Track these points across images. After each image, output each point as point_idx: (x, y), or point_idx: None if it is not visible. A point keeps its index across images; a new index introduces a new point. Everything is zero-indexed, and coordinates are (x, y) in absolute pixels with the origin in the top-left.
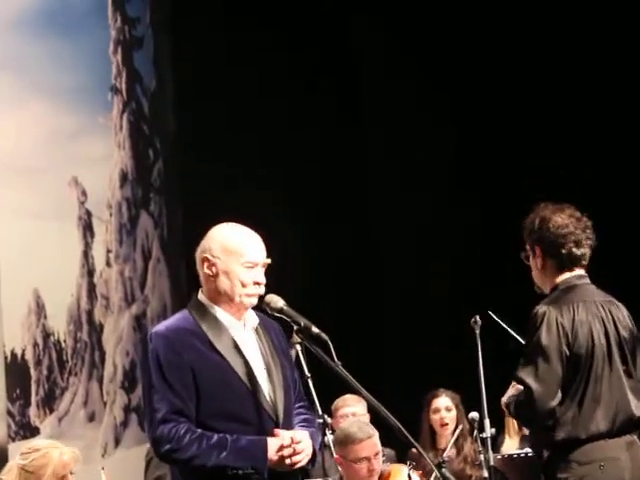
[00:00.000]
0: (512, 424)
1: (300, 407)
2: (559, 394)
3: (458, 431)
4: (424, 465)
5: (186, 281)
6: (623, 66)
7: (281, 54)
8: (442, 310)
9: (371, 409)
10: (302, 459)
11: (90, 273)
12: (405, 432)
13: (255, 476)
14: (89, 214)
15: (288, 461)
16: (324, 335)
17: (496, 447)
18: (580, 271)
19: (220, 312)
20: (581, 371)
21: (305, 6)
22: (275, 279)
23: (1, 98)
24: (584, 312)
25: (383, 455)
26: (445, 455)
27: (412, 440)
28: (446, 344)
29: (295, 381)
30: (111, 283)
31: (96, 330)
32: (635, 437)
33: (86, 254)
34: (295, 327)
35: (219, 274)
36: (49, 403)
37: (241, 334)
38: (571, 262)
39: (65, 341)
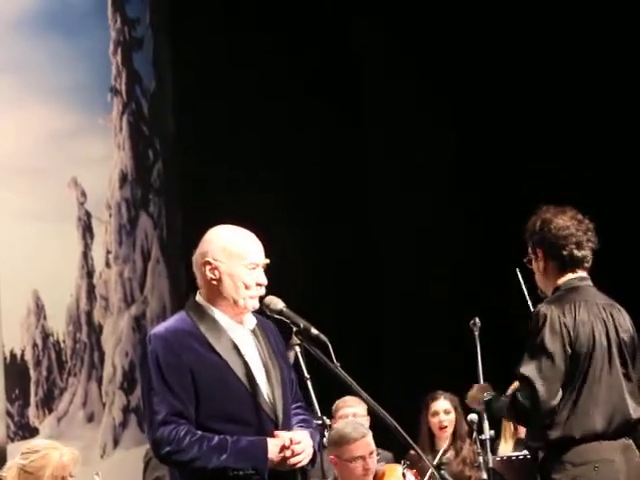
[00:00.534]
0: (508, 427)
1: (297, 407)
2: (560, 393)
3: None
4: (423, 467)
5: (185, 282)
6: (623, 68)
7: (281, 56)
8: (442, 312)
9: (370, 411)
10: (302, 459)
11: (89, 274)
12: (404, 434)
13: (256, 477)
14: (88, 215)
15: (289, 461)
16: (323, 337)
17: (492, 450)
18: (582, 273)
19: (218, 314)
20: (580, 370)
21: (305, 8)
22: (275, 281)
23: (1, 99)
24: (585, 312)
25: (378, 455)
26: (443, 457)
27: (411, 442)
28: (446, 346)
29: (292, 382)
30: (110, 284)
31: (95, 331)
32: (631, 441)
33: (85, 255)
34: (294, 329)
35: (222, 278)
36: (48, 403)
37: (239, 335)
38: (572, 264)
39: (64, 342)
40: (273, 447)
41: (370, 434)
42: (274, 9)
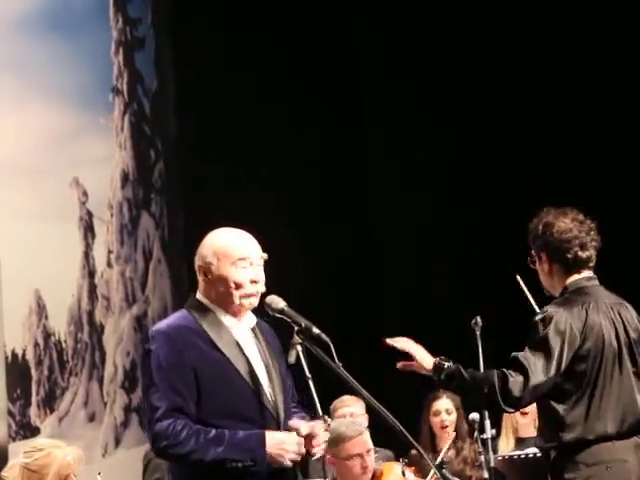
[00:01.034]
0: (508, 426)
1: (295, 407)
2: (548, 386)
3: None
4: (424, 466)
5: (187, 282)
6: (623, 67)
7: (281, 55)
8: (442, 311)
9: (371, 410)
10: (300, 456)
11: (91, 274)
12: (406, 433)
13: (254, 469)
14: (90, 215)
15: (286, 456)
16: (325, 336)
17: (494, 449)
18: (588, 273)
19: (219, 311)
20: (590, 371)
21: (305, 7)
22: (275, 280)
23: (2, 99)
24: (595, 314)
25: (375, 453)
26: (444, 456)
27: (413, 441)
28: (446, 345)
29: (290, 380)
30: (112, 284)
31: (97, 331)
32: None
33: (87, 255)
34: (296, 328)
35: (215, 280)
36: (49, 403)
37: (241, 333)
38: (578, 265)
39: (66, 341)
40: (271, 440)
41: (367, 432)
42: (274, 8)
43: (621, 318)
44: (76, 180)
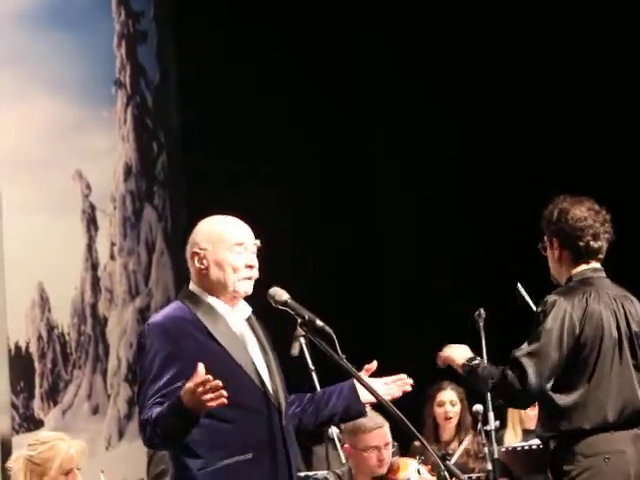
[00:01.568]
0: (514, 417)
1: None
2: (550, 380)
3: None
4: (428, 457)
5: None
6: (625, 61)
7: (284, 51)
8: (444, 307)
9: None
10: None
11: (94, 266)
12: (409, 424)
13: (182, 417)
14: (93, 207)
15: (201, 397)
16: (328, 328)
17: (498, 440)
18: (596, 264)
19: (214, 300)
20: (589, 362)
21: (308, 3)
22: (277, 274)
23: (5, 92)
24: (596, 303)
25: (393, 447)
26: (449, 448)
27: (416, 432)
28: (448, 341)
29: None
30: (115, 276)
31: (100, 323)
32: None
33: (90, 247)
34: (299, 320)
35: (210, 265)
36: (53, 396)
37: (237, 323)
38: (588, 255)
39: (69, 334)
40: (184, 392)
41: (387, 425)
42: (277, 4)
43: (624, 310)
44: (79, 173)
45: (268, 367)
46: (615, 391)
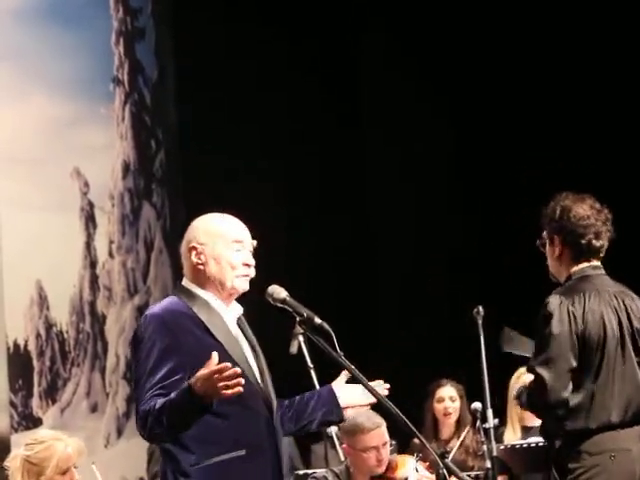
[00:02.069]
0: (514, 415)
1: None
2: (570, 384)
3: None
4: (427, 455)
5: None
6: (621, 57)
7: (281, 46)
8: (442, 302)
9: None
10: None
11: (92, 264)
12: (408, 422)
13: (194, 407)
14: (91, 205)
15: (215, 385)
16: (327, 326)
17: (497, 438)
18: (596, 262)
19: (209, 296)
20: (592, 360)
21: (307, 7)
22: (273, 270)
23: (2, 89)
24: (596, 301)
25: (391, 445)
26: (448, 446)
27: (415, 430)
28: (443, 335)
29: None
30: (113, 274)
31: (98, 321)
32: None
33: (88, 245)
34: (298, 318)
35: (208, 260)
36: (51, 394)
37: (230, 320)
38: (589, 253)
39: (67, 332)
40: (195, 379)
41: (384, 424)
42: (274, 0)
43: (625, 307)
44: (77, 170)
45: (259, 367)
46: (619, 389)
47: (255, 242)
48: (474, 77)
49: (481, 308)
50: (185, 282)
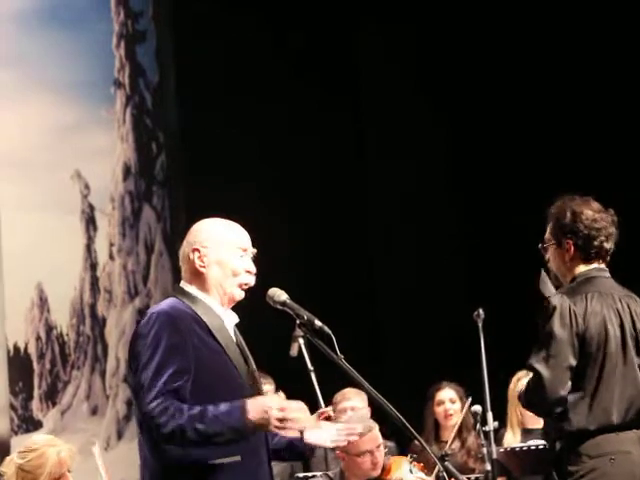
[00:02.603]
0: (514, 417)
1: None
2: (569, 382)
3: (456, 429)
4: (427, 458)
5: None
6: (622, 59)
7: (283, 51)
8: (443, 306)
9: (373, 402)
10: (293, 426)
11: (93, 267)
12: (408, 425)
13: (238, 439)
14: (92, 207)
15: (273, 424)
16: (327, 328)
17: (497, 440)
18: (601, 264)
19: (209, 299)
20: (594, 362)
21: (307, 8)
22: (273, 274)
23: (4, 92)
24: (598, 303)
25: (385, 447)
26: (448, 448)
27: (415, 433)
28: (447, 339)
29: None
30: (114, 277)
31: (99, 324)
32: None
33: (89, 247)
34: (298, 321)
35: (211, 264)
36: (52, 396)
37: (229, 325)
38: (598, 255)
39: (68, 335)
40: (254, 406)
41: (376, 427)
42: (276, 5)
43: (630, 310)
44: (78, 173)
45: (252, 376)
46: (620, 392)
47: (255, 250)
48: (473, 76)
49: (481, 311)
50: (184, 284)
